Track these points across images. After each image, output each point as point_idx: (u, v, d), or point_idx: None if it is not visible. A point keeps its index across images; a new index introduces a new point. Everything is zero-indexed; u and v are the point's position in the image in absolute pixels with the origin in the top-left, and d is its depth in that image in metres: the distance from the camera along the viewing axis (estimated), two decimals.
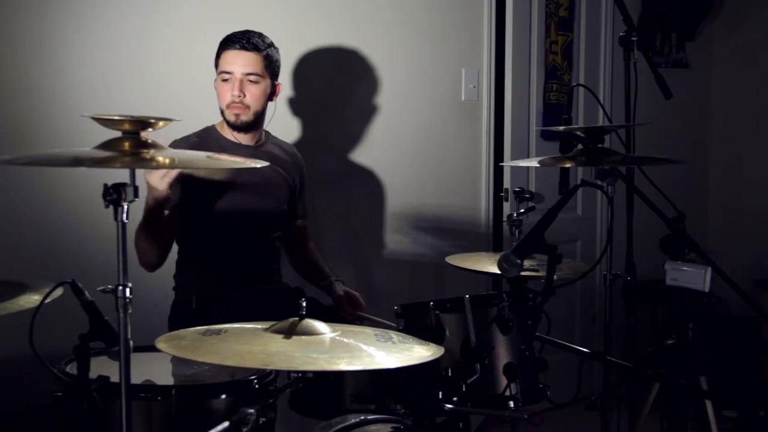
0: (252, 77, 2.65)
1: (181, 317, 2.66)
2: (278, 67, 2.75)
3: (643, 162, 2.53)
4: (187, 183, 2.61)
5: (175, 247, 2.74)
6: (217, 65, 2.69)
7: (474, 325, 2.04)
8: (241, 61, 2.64)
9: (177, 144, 2.67)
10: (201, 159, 1.85)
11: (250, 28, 2.72)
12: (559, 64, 4.04)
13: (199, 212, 2.66)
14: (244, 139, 2.74)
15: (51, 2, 2.76)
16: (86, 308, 1.64)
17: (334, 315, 2.67)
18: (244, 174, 2.67)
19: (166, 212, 2.52)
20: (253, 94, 2.66)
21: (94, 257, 2.61)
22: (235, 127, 2.71)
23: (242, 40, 2.65)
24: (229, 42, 2.66)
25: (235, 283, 2.70)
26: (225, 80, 2.65)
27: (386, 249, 3.57)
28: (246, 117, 2.68)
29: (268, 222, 2.78)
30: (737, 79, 4.76)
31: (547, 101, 4.00)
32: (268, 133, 2.85)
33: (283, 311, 1.88)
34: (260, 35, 2.69)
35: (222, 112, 2.71)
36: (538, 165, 2.33)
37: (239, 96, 2.64)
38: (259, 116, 2.72)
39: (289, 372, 1.82)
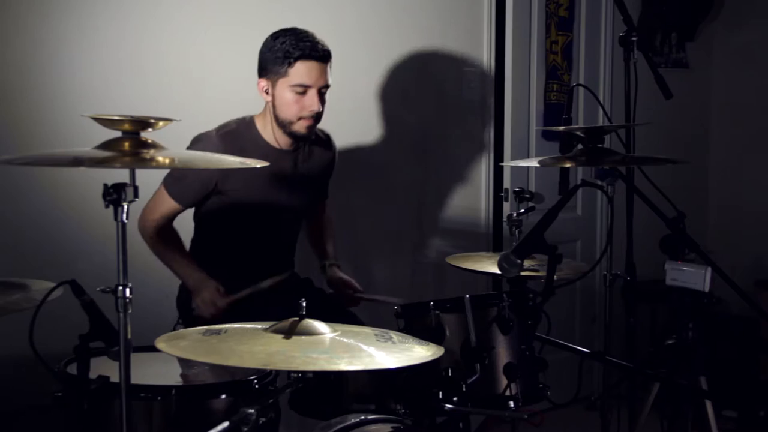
0: (324, 89, 2.57)
1: (189, 303, 2.63)
2: None
3: (643, 162, 2.53)
4: (215, 176, 2.57)
5: (189, 234, 2.73)
6: (278, 72, 2.53)
7: (474, 325, 2.04)
8: (319, 74, 2.53)
9: (206, 136, 2.57)
10: (200, 160, 1.85)
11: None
12: (559, 64, 4.04)
13: (221, 206, 2.63)
14: (285, 143, 2.65)
15: (51, 2, 2.76)
16: (86, 308, 1.64)
17: (337, 305, 2.67)
18: (273, 170, 2.55)
19: None
20: (324, 105, 2.58)
21: (94, 257, 2.61)
22: (303, 138, 2.63)
23: (317, 50, 2.53)
24: (303, 51, 2.51)
25: (249, 275, 2.65)
26: (300, 93, 2.52)
27: (386, 249, 3.57)
28: (315, 128, 2.63)
29: (292, 218, 2.77)
30: (737, 79, 4.76)
31: (547, 101, 4.00)
32: None
33: (294, 302, 1.85)
34: (322, 43, 2.57)
35: (283, 123, 2.58)
36: (538, 165, 2.33)
37: (320, 111, 2.56)
38: None
39: (289, 372, 1.82)
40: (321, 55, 2.53)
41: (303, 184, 2.74)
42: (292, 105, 2.54)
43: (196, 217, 2.72)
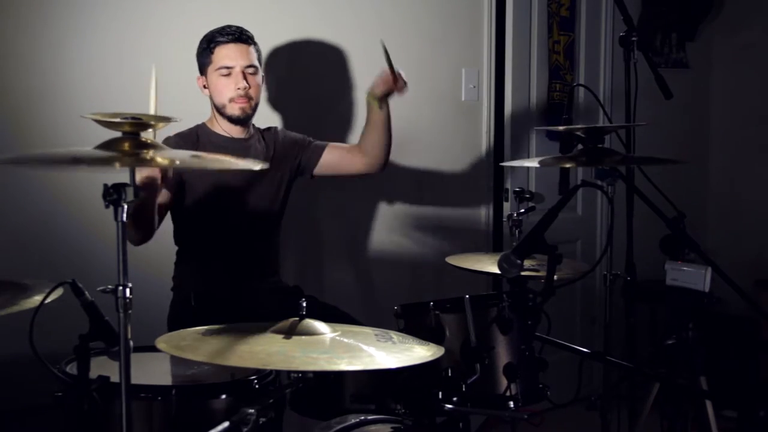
0: (250, 69, 2.69)
1: (180, 316, 2.66)
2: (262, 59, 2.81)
3: (643, 162, 2.53)
4: (180, 183, 2.62)
5: (174, 248, 2.75)
6: (206, 63, 2.69)
7: (474, 325, 2.04)
8: (239, 54, 2.67)
9: (166, 142, 2.66)
10: (200, 160, 1.83)
11: (250, 28, 2.73)
12: (561, 64, 4.03)
13: (193, 212, 2.67)
14: (236, 132, 2.75)
15: (52, 3, 2.76)
16: (86, 308, 1.64)
17: (333, 313, 2.67)
18: (234, 171, 2.68)
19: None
20: (255, 86, 2.71)
21: (94, 257, 2.61)
22: (239, 121, 2.72)
23: (234, 33, 2.68)
24: (221, 36, 2.67)
25: (233, 282, 2.70)
26: (225, 75, 2.66)
27: (386, 249, 3.57)
28: (249, 110, 2.71)
29: (260, 218, 2.78)
30: (737, 79, 4.76)
31: (551, 101, 3.99)
32: (253, 125, 2.85)
33: (282, 310, 1.88)
34: (243, 29, 2.72)
35: (220, 108, 2.70)
36: (538, 165, 2.33)
37: (246, 88, 2.67)
38: (256, 107, 2.75)
39: (289, 372, 1.82)
40: (239, 37, 2.69)
41: (264, 172, 2.75)
42: (222, 89, 2.68)
43: (174, 218, 2.73)
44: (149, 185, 2.27)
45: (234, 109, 2.69)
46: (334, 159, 2.93)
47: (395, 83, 2.82)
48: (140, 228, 2.47)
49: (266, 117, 3.07)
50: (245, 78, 2.67)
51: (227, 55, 2.66)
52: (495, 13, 3.75)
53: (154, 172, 2.28)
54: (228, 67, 2.66)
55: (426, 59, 3.61)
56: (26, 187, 2.72)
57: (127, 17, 2.88)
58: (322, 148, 2.92)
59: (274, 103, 3.16)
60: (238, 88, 2.66)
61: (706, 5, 4.71)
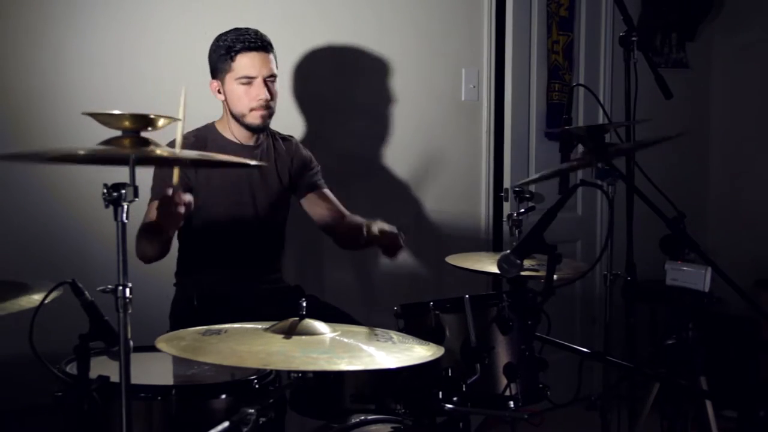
0: (271, 78, 2.65)
1: (182, 315, 2.66)
2: None
3: (645, 145, 2.51)
4: (187, 188, 2.61)
5: (174, 245, 2.74)
6: (224, 69, 2.63)
7: (474, 325, 2.04)
8: (262, 63, 2.62)
9: (174, 143, 2.65)
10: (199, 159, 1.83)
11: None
12: (560, 64, 4.03)
13: (198, 214, 2.66)
14: (246, 138, 2.72)
15: (53, 3, 2.76)
16: (86, 308, 1.64)
17: (334, 313, 2.68)
18: (238, 172, 2.67)
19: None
20: (275, 95, 2.68)
21: (94, 257, 2.62)
22: (258, 129, 2.69)
23: (257, 41, 2.62)
24: (242, 44, 2.60)
25: (235, 282, 2.70)
26: (246, 84, 2.61)
27: None
28: (269, 118, 2.68)
29: (263, 218, 2.78)
30: (737, 79, 4.76)
31: (549, 101, 3.99)
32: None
33: (283, 310, 1.88)
34: (262, 34, 2.67)
35: (238, 117, 2.66)
36: (538, 176, 2.32)
37: (267, 99, 2.63)
38: (273, 115, 2.72)
39: (289, 372, 1.82)
40: (261, 45, 2.63)
41: (270, 177, 2.76)
42: (242, 97, 2.63)
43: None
44: (171, 215, 2.21)
45: (255, 118, 2.65)
46: (316, 204, 2.88)
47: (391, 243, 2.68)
48: (157, 243, 2.45)
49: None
50: (267, 87, 2.63)
51: (250, 64, 2.60)
52: (495, 13, 3.75)
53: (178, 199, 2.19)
54: (250, 77, 2.61)
55: (426, 59, 3.61)
56: (26, 188, 2.73)
57: (127, 17, 2.88)
58: (315, 187, 2.88)
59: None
60: (260, 99, 2.62)
61: (706, 5, 4.71)
